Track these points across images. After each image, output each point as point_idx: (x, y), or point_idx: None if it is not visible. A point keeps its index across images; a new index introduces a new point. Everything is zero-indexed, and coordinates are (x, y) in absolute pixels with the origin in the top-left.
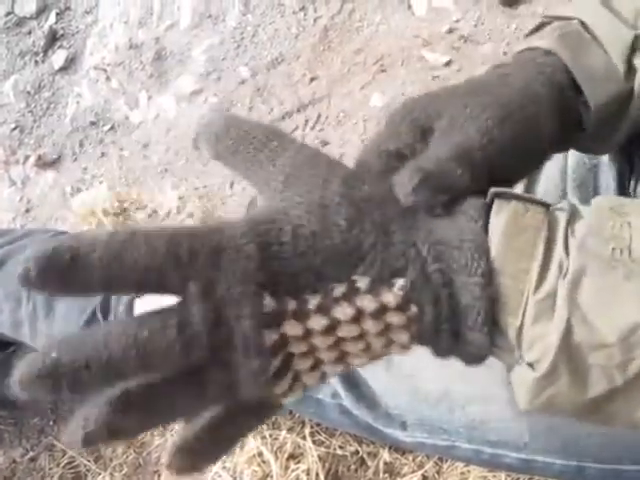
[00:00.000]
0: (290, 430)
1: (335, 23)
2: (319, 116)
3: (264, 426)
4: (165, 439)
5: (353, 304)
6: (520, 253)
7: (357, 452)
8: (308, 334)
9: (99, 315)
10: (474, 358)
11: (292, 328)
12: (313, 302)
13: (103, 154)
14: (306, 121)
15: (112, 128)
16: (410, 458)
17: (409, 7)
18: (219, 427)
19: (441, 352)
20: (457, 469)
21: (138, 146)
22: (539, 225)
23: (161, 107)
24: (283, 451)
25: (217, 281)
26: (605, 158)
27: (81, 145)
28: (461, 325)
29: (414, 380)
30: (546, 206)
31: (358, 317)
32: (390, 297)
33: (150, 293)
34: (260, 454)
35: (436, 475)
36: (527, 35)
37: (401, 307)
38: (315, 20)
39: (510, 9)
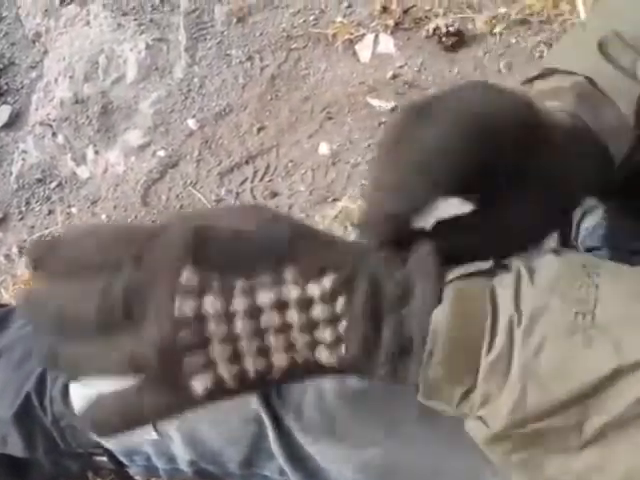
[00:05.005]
0: None
1: (282, 72)
2: (268, 167)
3: None
4: None
5: (277, 291)
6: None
7: None
8: (228, 316)
9: (34, 398)
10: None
11: (212, 304)
12: (238, 283)
13: (50, 212)
14: (255, 172)
15: (59, 185)
16: None
17: (354, 54)
18: (125, 396)
19: (367, 363)
20: None
21: (87, 203)
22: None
23: (109, 162)
24: None
25: (145, 256)
26: None
27: (27, 203)
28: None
29: (361, 454)
30: (489, 272)
31: (282, 307)
32: (315, 289)
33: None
34: None
35: None
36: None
37: (326, 299)
38: (262, 69)
39: (451, 54)
